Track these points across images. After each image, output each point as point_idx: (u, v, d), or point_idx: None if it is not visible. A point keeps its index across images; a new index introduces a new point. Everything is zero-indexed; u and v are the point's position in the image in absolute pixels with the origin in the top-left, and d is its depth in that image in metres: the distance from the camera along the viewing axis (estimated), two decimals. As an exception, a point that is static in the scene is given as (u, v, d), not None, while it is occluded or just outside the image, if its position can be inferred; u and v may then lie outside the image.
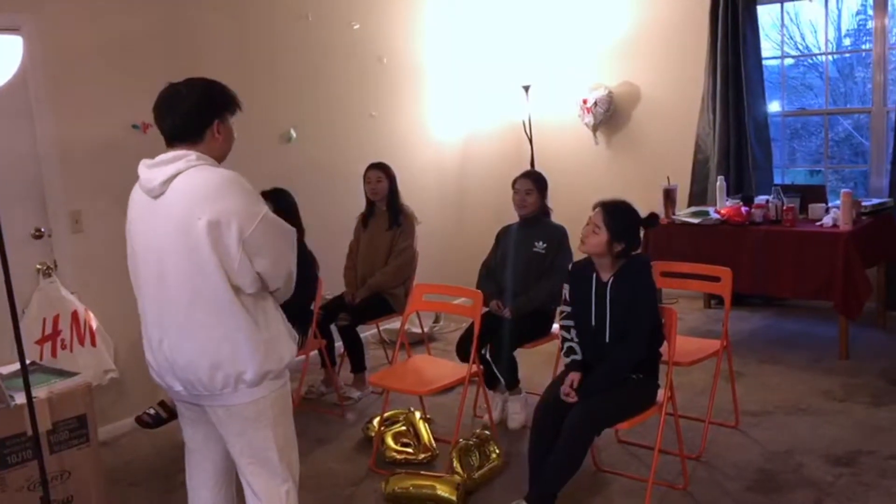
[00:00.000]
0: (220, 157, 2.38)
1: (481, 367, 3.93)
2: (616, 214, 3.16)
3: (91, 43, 4.19)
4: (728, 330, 3.88)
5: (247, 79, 4.77)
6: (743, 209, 5.09)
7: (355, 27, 5.54)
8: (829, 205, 5.04)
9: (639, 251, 3.30)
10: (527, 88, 6.51)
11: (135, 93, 4.31)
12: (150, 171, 2.29)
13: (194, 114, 2.31)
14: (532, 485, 3.13)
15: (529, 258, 4.16)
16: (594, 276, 3.23)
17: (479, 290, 3.92)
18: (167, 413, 3.90)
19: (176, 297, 2.29)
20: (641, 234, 3.24)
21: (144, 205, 2.34)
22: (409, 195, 5.04)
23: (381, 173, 4.82)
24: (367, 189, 4.86)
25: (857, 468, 3.45)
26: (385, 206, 4.84)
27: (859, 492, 3.26)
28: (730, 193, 5.48)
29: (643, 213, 3.31)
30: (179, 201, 2.24)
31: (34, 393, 2.42)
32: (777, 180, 5.82)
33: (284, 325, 2.45)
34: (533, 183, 4.26)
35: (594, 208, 3.20)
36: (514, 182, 4.30)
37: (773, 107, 6.02)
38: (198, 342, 2.29)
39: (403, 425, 3.98)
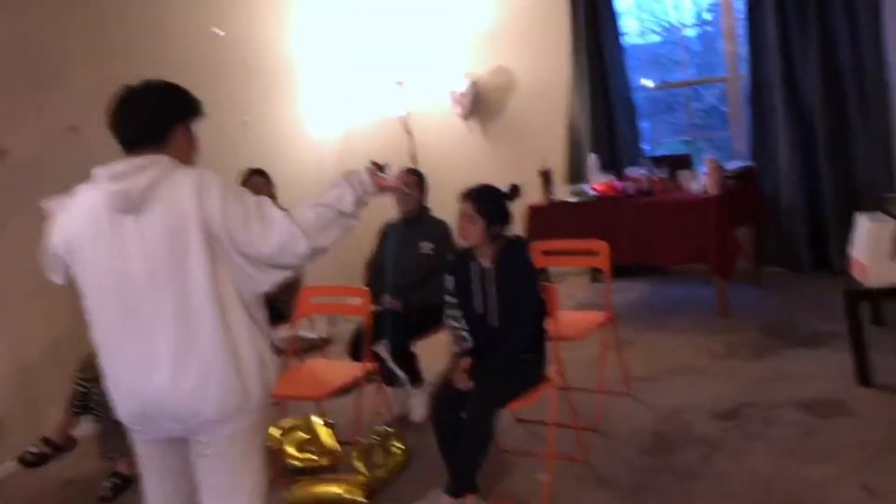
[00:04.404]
0: (186, 164, 2.21)
1: (377, 364, 3.91)
2: (484, 199, 3.19)
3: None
4: (612, 301, 4.00)
5: (107, 95, 4.56)
6: (616, 184, 5.25)
7: (220, 34, 5.40)
8: (697, 171, 5.25)
9: (514, 233, 3.35)
10: (400, 83, 6.50)
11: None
12: (121, 183, 2.06)
13: (155, 116, 2.18)
14: (450, 475, 3.12)
15: (417, 259, 4.16)
16: (474, 263, 3.26)
17: (368, 288, 3.90)
18: (51, 449, 3.74)
19: (173, 319, 2.04)
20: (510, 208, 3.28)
21: (107, 223, 2.08)
22: (290, 198, 4.94)
23: (262, 179, 4.71)
24: (250, 196, 4.73)
25: (742, 420, 3.61)
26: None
27: (746, 442, 3.41)
28: (605, 169, 5.63)
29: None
30: (166, 210, 2.06)
31: None
32: (654, 153, 6.02)
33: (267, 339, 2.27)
34: (412, 179, 4.26)
35: (461, 200, 3.22)
36: (392, 179, 4.28)
37: (649, 83, 6.24)
38: (203, 364, 2.07)
39: (304, 432, 3.92)
